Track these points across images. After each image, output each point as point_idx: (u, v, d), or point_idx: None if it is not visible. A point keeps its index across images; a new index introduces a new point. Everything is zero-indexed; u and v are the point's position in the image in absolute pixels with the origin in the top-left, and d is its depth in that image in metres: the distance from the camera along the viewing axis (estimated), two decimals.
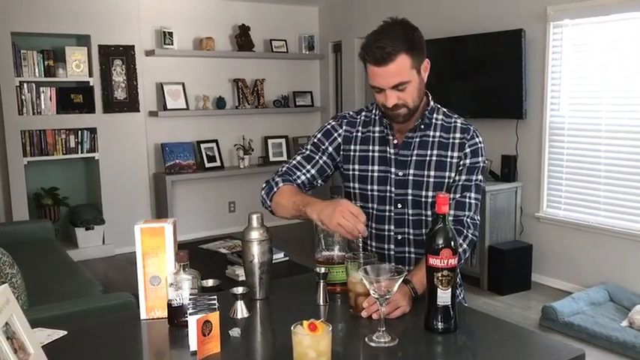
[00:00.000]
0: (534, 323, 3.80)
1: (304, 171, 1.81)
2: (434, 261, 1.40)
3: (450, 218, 1.68)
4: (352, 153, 1.81)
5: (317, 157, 1.83)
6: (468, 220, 1.72)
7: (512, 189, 4.58)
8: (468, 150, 1.74)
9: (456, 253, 1.41)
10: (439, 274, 1.40)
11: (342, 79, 6.53)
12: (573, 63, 4.29)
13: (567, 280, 4.40)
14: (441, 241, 1.40)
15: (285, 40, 6.45)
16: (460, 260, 1.60)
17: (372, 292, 1.38)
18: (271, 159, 6.37)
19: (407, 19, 1.67)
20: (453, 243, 1.40)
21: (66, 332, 1.45)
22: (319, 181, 1.85)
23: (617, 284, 4.04)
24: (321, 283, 1.61)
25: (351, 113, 1.87)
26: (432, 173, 1.73)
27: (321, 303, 1.61)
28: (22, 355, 1.18)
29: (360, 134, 1.81)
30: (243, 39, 6.11)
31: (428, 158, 1.74)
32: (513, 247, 4.43)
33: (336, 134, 1.83)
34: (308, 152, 1.84)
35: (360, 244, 1.59)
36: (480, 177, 1.76)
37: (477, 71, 4.86)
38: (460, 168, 1.74)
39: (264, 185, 1.81)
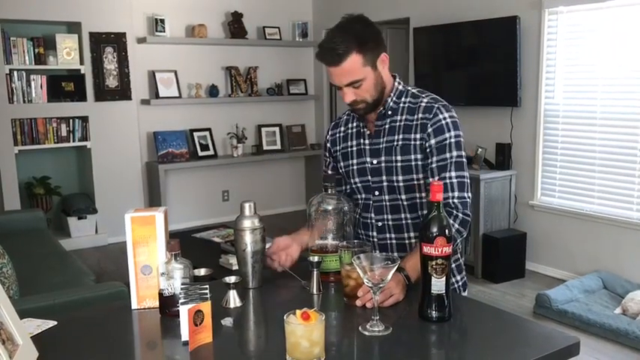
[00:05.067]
0: (528, 311, 3.81)
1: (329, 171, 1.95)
2: (428, 249, 1.39)
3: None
4: (337, 153, 1.91)
5: (328, 171, 1.96)
6: (455, 200, 1.67)
7: (506, 177, 4.57)
8: (430, 130, 1.70)
9: (450, 242, 1.40)
10: (433, 263, 1.39)
11: None
12: (568, 50, 4.27)
13: (561, 267, 4.41)
14: (435, 229, 1.39)
15: (278, 28, 6.40)
16: (455, 241, 1.60)
17: (365, 280, 1.37)
18: (265, 147, 6.34)
19: (363, 15, 1.71)
20: (447, 231, 1.39)
21: (56, 322, 1.43)
22: (343, 187, 1.90)
23: (611, 272, 4.05)
24: (315, 272, 1.60)
25: (340, 115, 1.98)
26: (399, 158, 1.75)
27: (315, 292, 1.60)
28: (11, 346, 1.16)
29: (342, 134, 1.91)
30: (236, 26, 6.05)
31: (395, 143, 1.76)
32: (507, 235, 4.43)
33: (328, 144, 1.96)
34: (323, 173, 1.95)
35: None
36: (455, 153, 1.69)
37: (472, 59, 4.84)
38: (427, 150, 1.71)
39: None
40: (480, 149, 4.61)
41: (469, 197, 1.69)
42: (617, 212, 4.07)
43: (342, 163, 1.89)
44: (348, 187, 1.90)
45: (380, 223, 1.82)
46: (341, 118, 1.95)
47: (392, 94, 1.76)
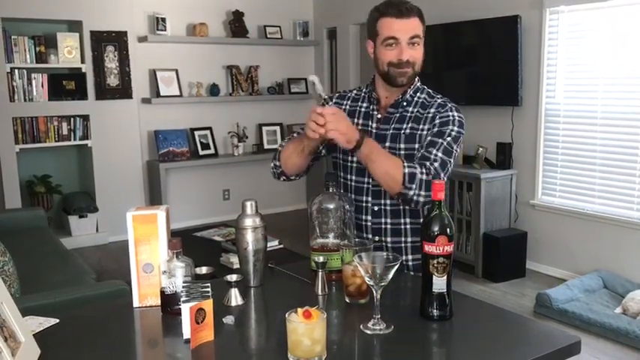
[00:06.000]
0: (529, 310, 3.81)
1: None
2: (429, 248, 1.39)
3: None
4: None
5: None
6: (433, 162, 1.69)
7: (507, 176, 4.57)
8: (437, 121, 1.78)
9: (452, 240, 1.40)
10: (435, 262, 1.39)
11: (337, 66, 6.48)
12: (569, 50, 4.27)
13: (562, 267, 4.41)
14: (436, 228, 1.39)
15: (279, 27, 6.40)
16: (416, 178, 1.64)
17: (367, 279, 1.37)
18: (266, 146, 6.33)
19: None
20: (448, 230, 1.39)
21: (58, 320, 1.44)
22: (322, 150, 1.91)
23: (611, 271, 4.05)
24: (320, 273, 1.59)
25: (345, 90, 2.02)
26: (403, 146, 1.79)
27: (320, 293, 1.59)
28: (13, 343, 1.16)
29: (348, 107, 1.93)
30: (236, 25, 6.06)
31: (402, 132, 1.80)
32: (508, 235, 4.43)
33: (327, 106, 1.88)
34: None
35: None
36: (448, 139, 1.73)
37: (473, 58, 4.83)
38: (427, 133, 1.78)
39: (274, 155, 1.94)
40: (480, 148, 4.61)
41: (444, 176, 1.70)
42: (617, 212, 4.07)
43: None
44: (324, 149, 1.90)
45: (376, 207, 1.84)
46: (347, 93, 1.98)
47: (412, 87, 1.84)
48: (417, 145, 1.78)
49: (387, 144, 1.80)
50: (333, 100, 1.95)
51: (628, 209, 4.01)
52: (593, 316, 3.49)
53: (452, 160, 1.74)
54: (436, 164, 1.69)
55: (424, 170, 1.67)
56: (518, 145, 4.62)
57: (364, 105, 1.90)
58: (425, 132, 1.78)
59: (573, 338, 1.33)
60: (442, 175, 1.70)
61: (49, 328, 1.40)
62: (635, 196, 3.97)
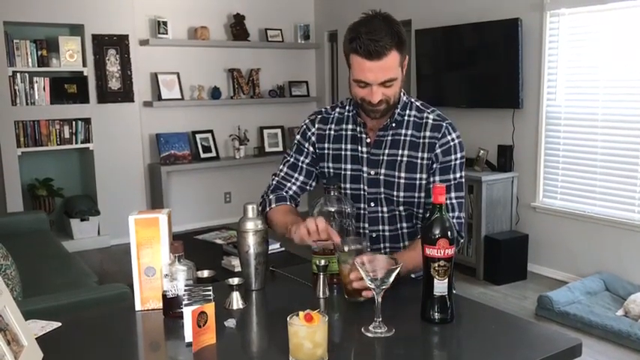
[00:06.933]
0: (530, 313, 3.81)
1: (293, 180, 1.85)
2: (430, 251, 1.40)
3: None
4: (326, 151, 1.82)
5: (300, 163, 1.85)
6: (454, 220, 1.70)
7: (508, 179, 4.57)
8: (438, 150, 1.71)
9: (452, 243, 1.40)
10: (436, 265, 1.40)
11: (338, 69, 6.49)
12: (570, 52, 4.28)
13: (563, 269, 4.41)
14: (437, 231, 1.39)
15: (280, 30, 6.41)
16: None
17: (368, 282, 1.37)
18: (267, 149, 6.34)
19: (389, 13, 1.64)
20: (449, 233, 1.39)
21: (60, 324, 1.44)
22: (312, 183, 1.87)
23: (613, 273, 4.05)
24: (321, 276, 1.59)
25: (326, 109, 1.87)
26: (403, 175, 1.72)
27: (321, 296, 1.59)
28: (16, 347, 1.17)
29: (332, 132, 1.82)
30: (238, 28, 6.07)
31: (399, 159, 1.73)
32: (509, 237, 4.43)
33: (309, 133, 1.85)
34: (292, 160, 1.86)
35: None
36: (457, 174, 1.73)
37: (473, 61, 4.84)
38: (432, 170, 1.72)
39: (260, 200, 1.84)
40: (481, 151, 4.62)
41: (464, 217, 1.75)
42: (618, 214, 4.06)
43: (329, 164, 1.81)
44: (313, 183, 1.86)
45: (374, 234, 1.80)
46: (330, 114, 1.83)
47: (399, 104, 1.73)
48: (418, 175, 1.71)
49: (383, 170, 1.73)
50: (316, 126, 1.83)
51: (629, 211, 4.01)
52: (595, 319, 3.49)
53: (463, 191, 1.75)
54: (455, 219, 1.69)
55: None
56: (519, 148, 4.62)
57: (350, 127, 1.78)
58: (425, 161, 1.70)
59: (574, 341, 1.33)
60: (462, 215, 1.73)
61: (51, 332, 1.41)
62: (636, 198, 3.97)
